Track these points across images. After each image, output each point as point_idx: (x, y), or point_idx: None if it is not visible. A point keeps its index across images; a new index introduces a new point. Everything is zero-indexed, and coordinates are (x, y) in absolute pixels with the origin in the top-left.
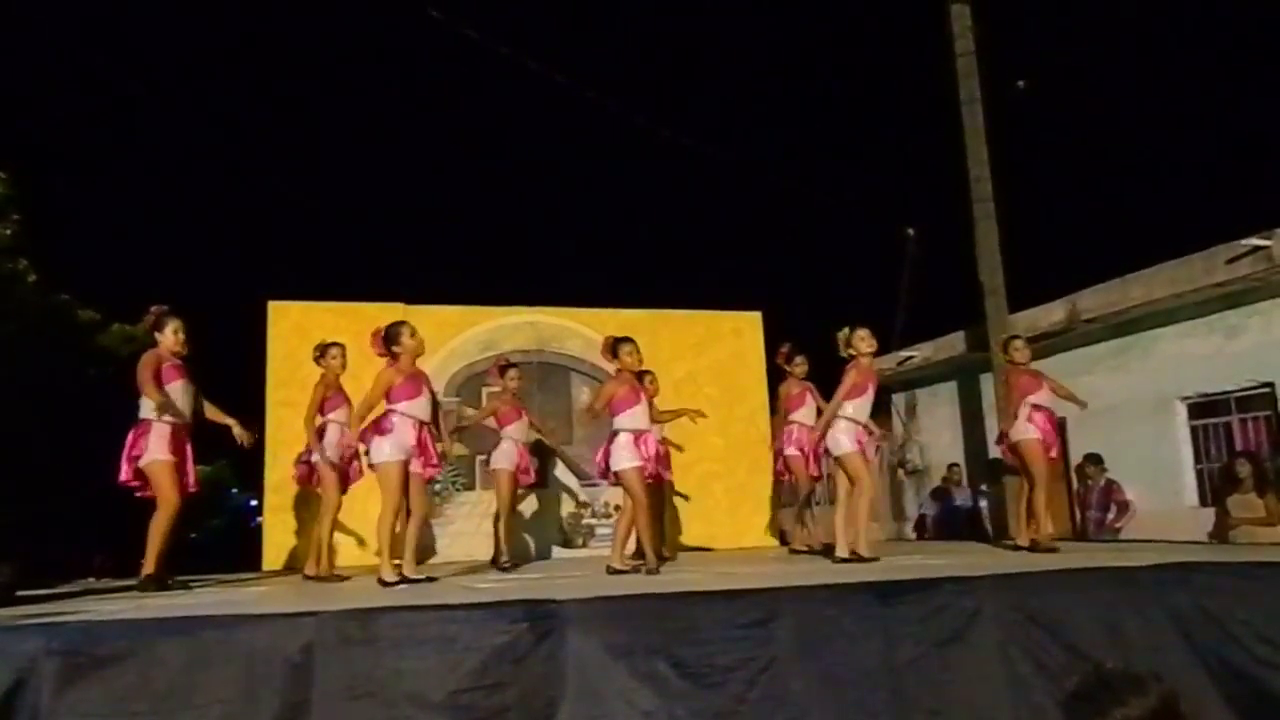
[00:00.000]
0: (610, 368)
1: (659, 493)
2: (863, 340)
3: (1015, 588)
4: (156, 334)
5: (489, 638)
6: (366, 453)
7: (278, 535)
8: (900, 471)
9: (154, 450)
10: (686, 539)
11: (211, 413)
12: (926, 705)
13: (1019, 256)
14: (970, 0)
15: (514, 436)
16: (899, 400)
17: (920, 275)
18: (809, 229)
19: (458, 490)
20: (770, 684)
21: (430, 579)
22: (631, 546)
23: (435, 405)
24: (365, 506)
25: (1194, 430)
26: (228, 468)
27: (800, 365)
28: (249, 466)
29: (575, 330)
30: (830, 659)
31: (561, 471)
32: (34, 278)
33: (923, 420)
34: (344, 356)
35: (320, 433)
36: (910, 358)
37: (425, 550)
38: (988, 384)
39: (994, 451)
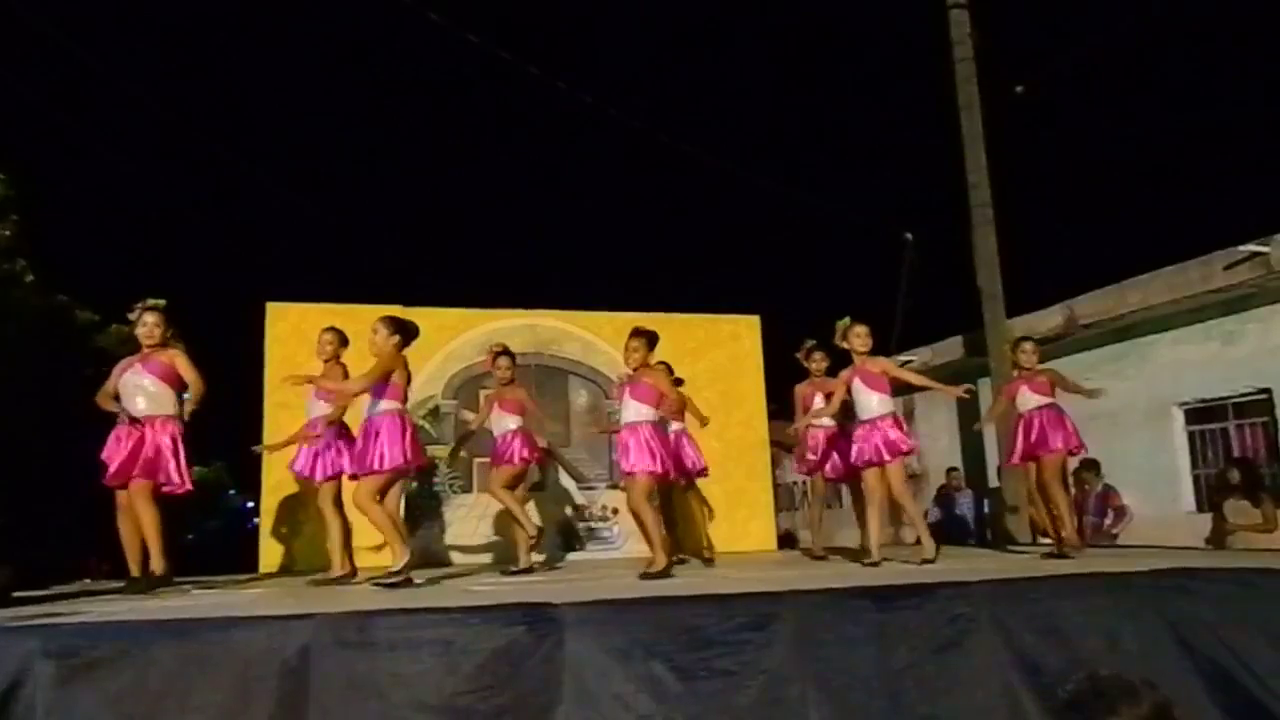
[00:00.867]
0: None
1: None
2: (857, 338)
3: (1011, 593)
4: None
5: (486, 641)
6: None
7: (275, 537)
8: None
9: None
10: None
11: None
12: (923, 711)
13: (1017, 262)
14: (969, 6)
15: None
16: (897, 404)
17: (918, 280)
18: (808, 233)
19: (455, 493)
20: (767, 688)
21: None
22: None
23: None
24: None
25: (1191, 436)
26: (224, 469)
27: (816, 361)
28: (246, 468)
29: (574, 333)
30: (827, 663)
31: (559, 474)
32: (32, 279)
33: (920, 425)
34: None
35: None
36: (908, 362)
37: (427, 554)
38: (985, 389)
39: (991, 456)
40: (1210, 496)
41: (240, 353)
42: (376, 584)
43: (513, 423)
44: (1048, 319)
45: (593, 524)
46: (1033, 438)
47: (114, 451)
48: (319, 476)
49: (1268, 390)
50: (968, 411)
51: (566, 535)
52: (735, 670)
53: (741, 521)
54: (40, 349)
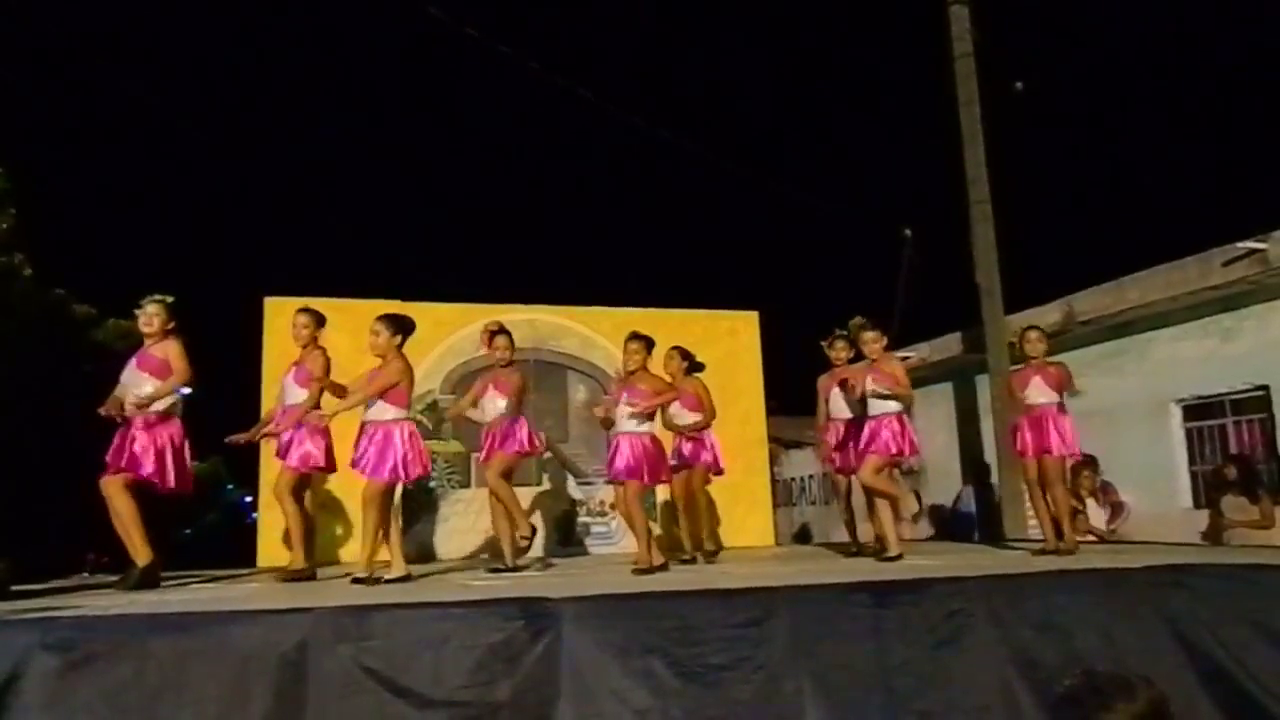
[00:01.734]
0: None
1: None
2: (865, 344)
3: (1008, 589)
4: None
5: (484, 635)
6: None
7: (273, 532)
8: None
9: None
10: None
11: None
12: (919, 705)
13: (1015, 258)
14: (969, 2)
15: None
16: None
17: (917, 276)
18: (806, 229)
19: (452, 488)
20: (764, 684)
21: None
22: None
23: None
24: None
25: (1189, 432)
26: (222, 464)
27: (837, 351)
28: (244, 463)
29: (572, 329)
30: (824, 659)
31: (556, 470)
32: (29, 272)
33: (918, 421)
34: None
35: None
36: (906, 358)
37: (424, 550)
38: (984, 385)
39: (990, 453)
40: (1209, 493)
41: (238, 348)
42: (356, 580)
43: (508, 407)
44: (1046, 315)
45: (590, 519)
46: (1044, 435)
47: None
48: (291, 464)
49: (1265, 387)
50: (966, 407)
51: (564, 530)
52: (732, 665)
53: (740, 517)
54: (38, 343)
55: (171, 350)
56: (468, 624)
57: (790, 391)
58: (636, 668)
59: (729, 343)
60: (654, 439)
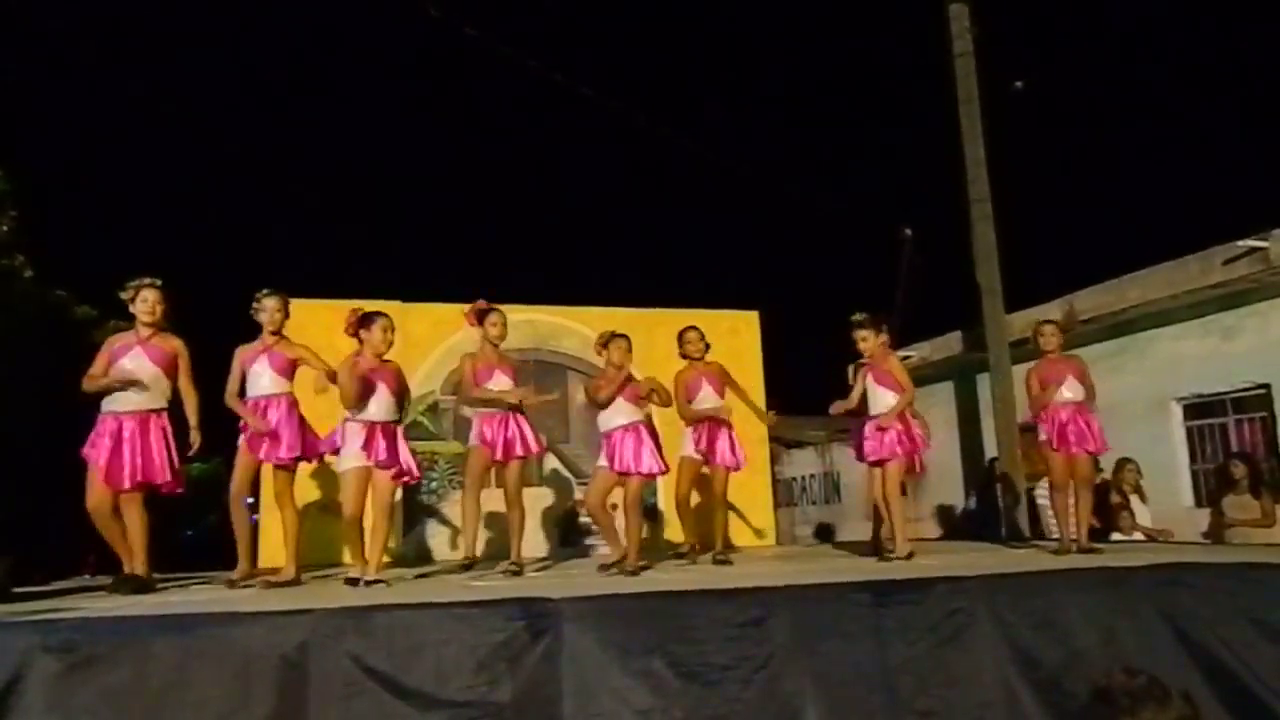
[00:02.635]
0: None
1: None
2: (863, 341)
3: (1009, 588)
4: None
5: (485, 636)
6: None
7: (274, 533)
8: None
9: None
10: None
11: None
12: (920, 705)
13: (1016, 257)
14: (969, 0)
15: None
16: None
17: (917, 275)
18: (806, 229)
19: (454, 488)
20: (766, 683)
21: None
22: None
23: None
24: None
25: (1190, 431)
26: (224, 464)
27: (862, 342)
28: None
29: (572, 329)
30: (825, 658)
31: (557, 469)
32: (30, 273)
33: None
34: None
35: None
36: (907, 358)
37: (426, 550)
38: (984, 384)
39: (991, 452)
40: (1210, 491)
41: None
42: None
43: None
44: (1047, 314)
45: (591, 519)
46: (1078, 431)
47: (101, 449)
48: (283, 457)
49: (1266, 385)
50: (967, 407)
51: (565, 530)
52: (733, 665)
53: (741, 517)
54: (39, 344)
55: (183, 361)
56: (469, 624)
57: (791, 391)
58: (638, 667)
59: (729, 342)
60: (648, 426)
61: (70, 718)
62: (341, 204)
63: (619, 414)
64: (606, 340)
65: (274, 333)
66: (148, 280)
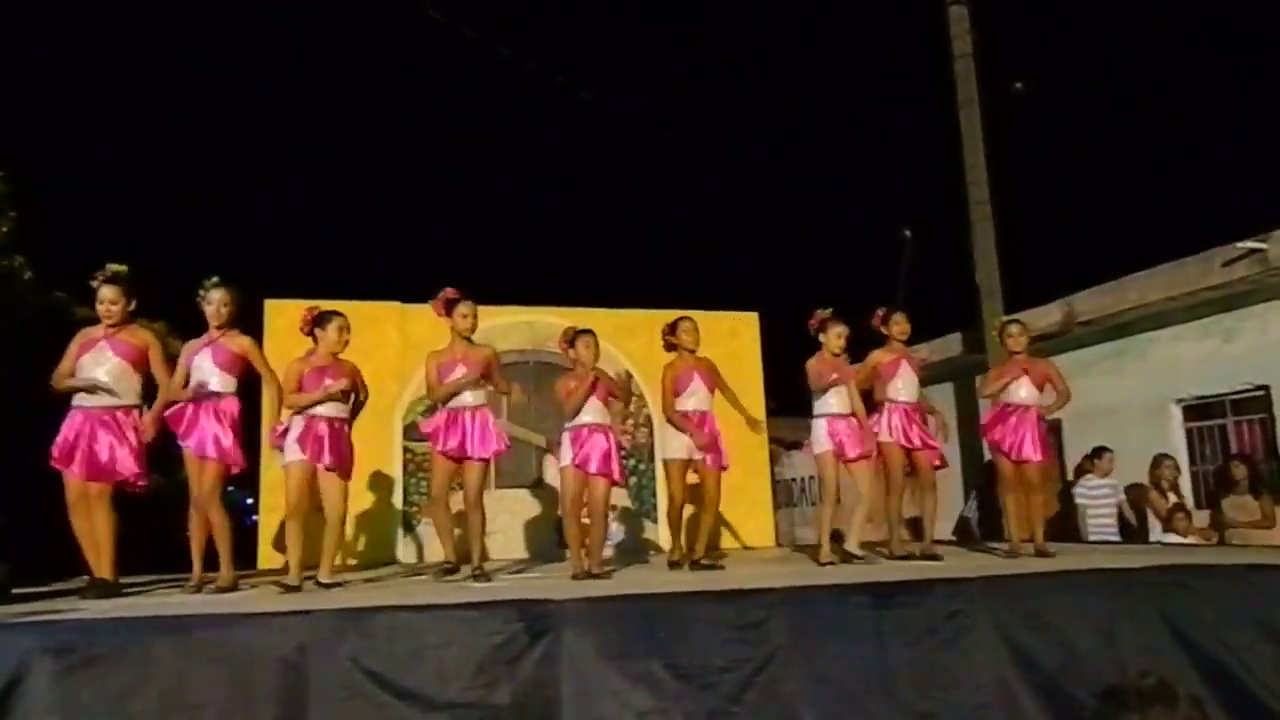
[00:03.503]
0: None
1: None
2: (838, 338)
3: (1009, 590)
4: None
5: (484, 638)
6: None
7: (273, 534)
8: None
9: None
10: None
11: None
12: (920, 706)
13: (1015, 258)
14: (968, 2)
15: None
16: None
17: (917, 277)
18: (806, 229)
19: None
20: (765, 685)
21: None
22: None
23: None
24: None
25: (1189, 433)
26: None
27: (899, 325)
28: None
29: None
30: (825, 660)
31: (555, 470)
32: (30, 275)
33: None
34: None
35: None
36: None
37: (421, 552)
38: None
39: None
40: (1210, 493)
41: None
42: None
43: (478, 394)
44: (1046, 315)
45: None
46: (1028, 436)
47: (68, 445)
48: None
49: (1265, 387)
50: (966, 408)
51: (563, 531)
52: (733, 667)
53: (740, 518)
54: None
55: (154, 353)
56: (468, 626)
57: (790, 392)
58: (637, 670)
59: (729, 343)
60: (610, 430)
61: (70, 719)
62: (343, 204)
63: (585, 412)
64: (573, 337)
65: (218, 326)
66: (111, 270)
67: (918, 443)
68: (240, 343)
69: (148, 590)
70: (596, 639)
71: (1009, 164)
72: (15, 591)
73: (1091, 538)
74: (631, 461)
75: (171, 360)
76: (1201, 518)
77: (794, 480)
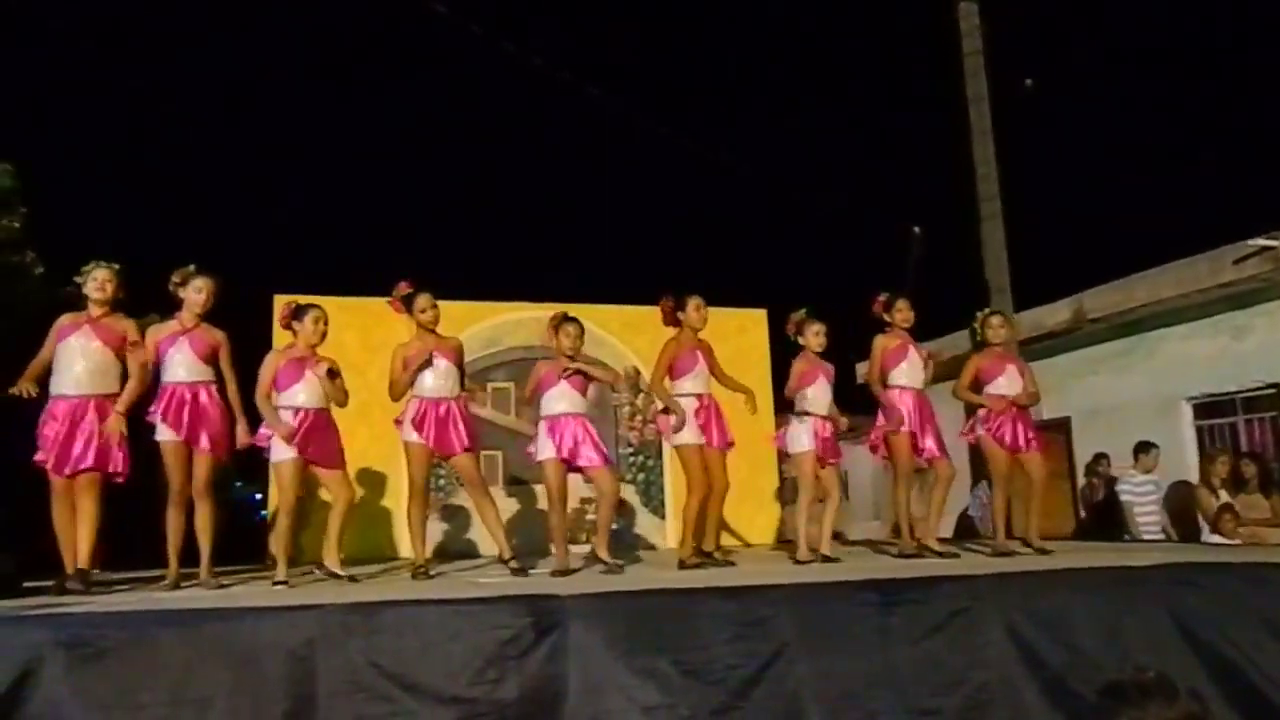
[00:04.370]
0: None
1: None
2: (816, 336)
3: (1016, 587)
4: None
5: (491, 632)
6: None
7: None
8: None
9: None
10: None
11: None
12: (925, 704)
13: (1025, 255)
14: None
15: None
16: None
17: (926, 273)
18: (815, 226)
19: (459, 484)
20: (771, 681)
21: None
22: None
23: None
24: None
25: (1199, 430)
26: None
27: (903, 312)
28: (252, 460)
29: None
30: (831, 656)
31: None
32: (40, 270)
33: None
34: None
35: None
36: None
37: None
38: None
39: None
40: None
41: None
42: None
43: (455, 385)
44: (1056, 313)
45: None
46: (1020, 428)
47: (52, 434)
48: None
49: (1276, 385)
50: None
51: (571, 527)
52: (739, 663)
53: (747, 515)
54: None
55: (133, 338)
56: (476, 621)
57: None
58: (643, 665)
59: (737, 341)
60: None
61: (80, 712)
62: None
63: (561, 400)
64: (558, 324)
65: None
66: (101, 264)
67: (930, 431)
68: (216, 336)
69: (125, 589)
70: (604, 634)
71: (1019, 161)
72: (24, 584)
73: (1144, 536)
74: (640, 458)
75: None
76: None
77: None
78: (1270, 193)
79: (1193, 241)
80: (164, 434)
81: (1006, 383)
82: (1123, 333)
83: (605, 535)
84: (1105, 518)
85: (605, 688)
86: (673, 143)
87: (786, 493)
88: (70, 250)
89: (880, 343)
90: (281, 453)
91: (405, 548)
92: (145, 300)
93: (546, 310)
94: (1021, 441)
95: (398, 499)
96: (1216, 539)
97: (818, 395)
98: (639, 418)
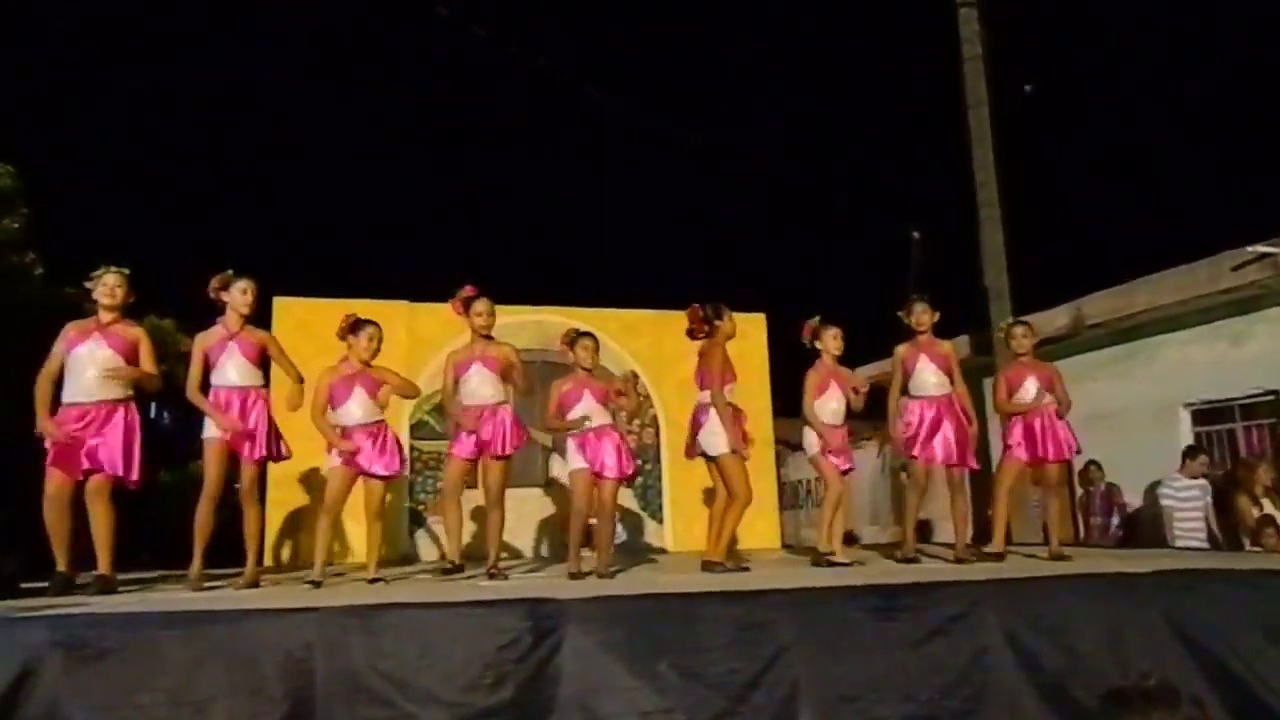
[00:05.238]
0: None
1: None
2: (835, 340)
3: (1016, 592)
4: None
5: (490, 635)
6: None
7: (283, 529)
8: (903, 475)
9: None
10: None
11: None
12: (925, 709)
13: (1024, 260)
14: (978, 4)
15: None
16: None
17: (925, 278)
18: (814, 230)
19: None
20: (771, 686)
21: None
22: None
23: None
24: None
25: (1198, 437)
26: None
27: (915, 315)
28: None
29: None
30: (830, 661)
31: (560, 469)
32: (41, 272)
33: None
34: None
35: None
36: None
37: (429, 550)
38: (990, 389)
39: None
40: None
41: None
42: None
43: (496, 391)
44: (1055, 319)
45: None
46: (1043, 437)
47: (66, 439)
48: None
49: (1275, 392)
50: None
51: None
52: (737, 667)
53: (747, 520)
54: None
55: (144, 346)
56: (475, 624)
57: (796, 394)
58: (642, 669)
59: (736, 344)
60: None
61: (80, 712)
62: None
63: (588, 415)
64: (573, 339)
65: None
66: (112, 268)
67: (951, 437)
68: (264, 338)
69: (148, 587)
70: (603, 638)
71: (1018, 166)
72: (24, 585)
73: (1178, 543)
74: (638, 462)
75: (182, 357)
76: None
77: (800, 482)
78: (1270, 199)
79: (1192, 247)
80: (210, 431)
81: (1022, 393)
82: (1122, 339)
83: (606, 549)
84: (1142, 529)
85: (604, 691)
86: (674, 145)
87: (786, 497)
88: (71, 251)
89: (900, 353)
90: (335, 459)
91: (426, 550)
92: (145, 300)
93: (545, 313)
94: (1049, 449)
95: (394, 501)
96: (1257, 551)
97: (836, 406)
98: (636, 422)
